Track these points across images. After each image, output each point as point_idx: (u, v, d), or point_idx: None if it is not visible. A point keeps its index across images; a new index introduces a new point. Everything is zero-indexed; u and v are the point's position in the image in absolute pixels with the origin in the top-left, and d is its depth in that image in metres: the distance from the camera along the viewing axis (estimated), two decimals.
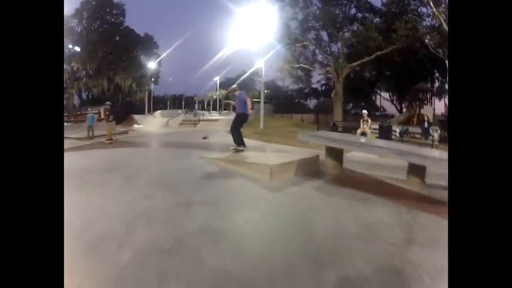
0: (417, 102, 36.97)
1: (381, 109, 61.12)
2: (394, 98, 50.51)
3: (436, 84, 44.47)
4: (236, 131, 10.40)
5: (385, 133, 18.25)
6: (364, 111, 18.66)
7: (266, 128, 28.29)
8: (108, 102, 18.92)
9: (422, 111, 28.81)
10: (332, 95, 29.18)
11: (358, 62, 28.67)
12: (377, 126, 20.08)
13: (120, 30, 46.17)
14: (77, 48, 38.73)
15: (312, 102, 75.12)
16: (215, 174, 8.17)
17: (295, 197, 6.56)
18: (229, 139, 12.76)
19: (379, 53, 27.15)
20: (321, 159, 9.41)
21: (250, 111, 10.44)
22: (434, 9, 23.00)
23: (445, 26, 21.23)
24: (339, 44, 32.93)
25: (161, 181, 7.44)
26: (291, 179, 7.80)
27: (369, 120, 17.79)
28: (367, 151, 8.36)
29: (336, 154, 8.97)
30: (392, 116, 49.23)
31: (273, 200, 6.32)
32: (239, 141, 10.34)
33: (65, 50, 37.52)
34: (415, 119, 26.01)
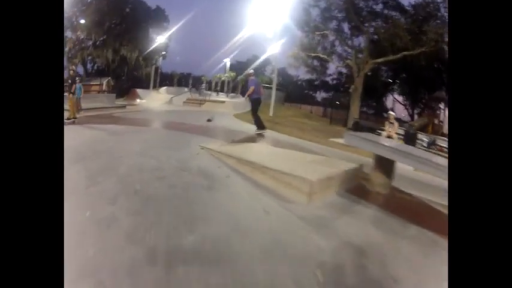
0: (428, 111, 34.93)
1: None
2: (407, 102, 47.61)
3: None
4: (255, 115, 11.38)
5: (410, 140, 15.53)
6: (391, 113, 16.16)
7: (276, 116, 25.70)
8: (73, 67, 15.47)
9: (435, 121, 26.14)
10: (350, 90, 26.29)
11: (383, 59, 25.74)
12: (400, 131, 17.26)
13: (131, 1, 42.85)
14: (82, 21, 35.76)
15: (320, 95, 72.03)
16: (221, 182, 5.53)
17: (352, 240, 3.91)
18: (236, 125, 13.38)
19: (406, 53, 24.29)
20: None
21: (247, 93, 11.41)
22: None
23: None
24: (361, 38, 30.19)
25: (138, 188, 4.74)
26: (334, 200, 5.22)
27: (395, 124, 15.20)
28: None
29: (386, 167, 6.29)
30: (399, 120, 47.06)
31: (322, 246, 3.64)
32: (260, 124, 11.43)
33: (73, 21, 34.94)
34: (430, 129, 23.18)
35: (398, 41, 24.39)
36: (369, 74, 31.14)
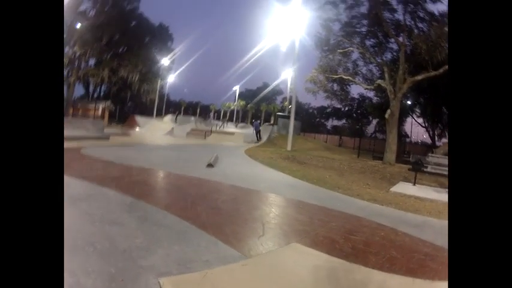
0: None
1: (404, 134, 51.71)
2: (428, 124, 41.76)
3: None
4: (257, 136, 25.49)
5: None
6: None
7: (295, 150, 20.75)
8: None
9: None
10: (386, 116, 20.57)
11: (424, 76, 20.03)
12: None
13: (132, 16, 37.63)
14: (78, 25, 30.58)
15: (330, 123, 67.15)
16: None
17: None
18: (251, 172, 10.33)
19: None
20: None
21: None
22: None
23: None
24: (389, 54, 25.23)
25: None
26: None
27: None
28: None
29: None
30: (422, 144, 44.00)
31: None
32: (258, 139, 24.87)
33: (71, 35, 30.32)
34: None
35: (438, 52, 19.00)
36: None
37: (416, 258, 4.07)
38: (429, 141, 41.43)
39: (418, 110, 41.40)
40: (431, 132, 41.50)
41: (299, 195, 7.38)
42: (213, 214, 5.04)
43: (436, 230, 5.64)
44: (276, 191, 7.54)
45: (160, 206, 5.24)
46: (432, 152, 18.91)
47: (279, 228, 4.78)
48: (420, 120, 43.24)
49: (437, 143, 36.36)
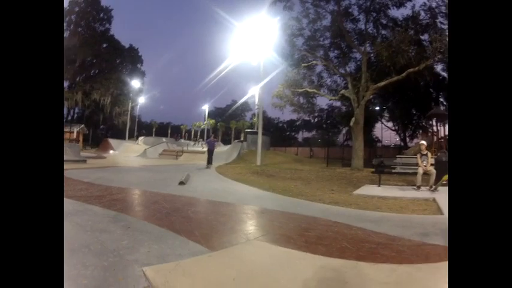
0: (422, 131, 34.47)
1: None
2: (398, 127, 43.20)
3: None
4: (209, 156, 20.52)
5: (444, 172, 10.75)
6: (423, 143, 12.14)
7: (265, 165, 21.46)
8: None
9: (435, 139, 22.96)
10: (351, 124, 21.54)
11: (386, 82, 21.05)
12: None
13: (104, 38, 38.27)
14: None
15: (301, 135, 68.37)
16: None
17: None
18: (221, 188, 11.03)
19: (411, 70, 19.64)
20: None
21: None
22: None
23: None
24: (354, 64, 26.98)
25: None
26: None
27: (429, 154, 11.43)
28: None
29: None
30: (392, 146, 45.29)
31: None
32: (209, 162, 20.20)
33: None
34: (433, 149, 18.59)
35: (401, 57, 19.85)
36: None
37: (367, 247, 4.53)
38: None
39: (386, 115, 43.02)
40: (402, 135, 42.96)
41: (264, 204, 7.95)
42: (185, 222, 5.73)
43: (393, 223, 6.08)
44: (242, 202, 8.17)
45: (140, 217, 6.00)
46: (402, 154, 19.91)
47: (243, 230, 5.50)
48: (390, 124, 44.75)
49: (410, 144, 37.76)
